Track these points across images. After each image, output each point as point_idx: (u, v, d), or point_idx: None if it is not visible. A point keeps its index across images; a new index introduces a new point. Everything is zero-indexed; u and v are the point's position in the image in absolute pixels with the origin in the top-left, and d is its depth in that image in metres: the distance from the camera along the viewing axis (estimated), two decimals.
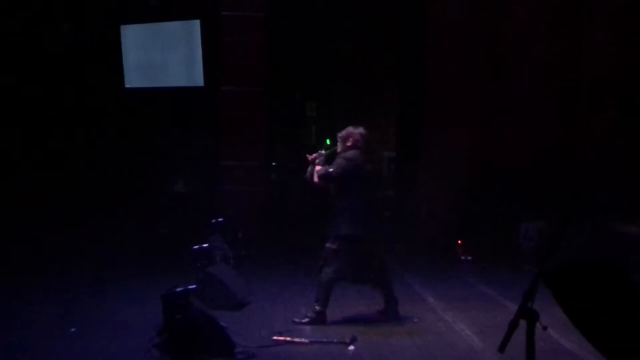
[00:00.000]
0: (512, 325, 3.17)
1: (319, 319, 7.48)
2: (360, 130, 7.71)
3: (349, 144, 7.63)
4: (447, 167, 12.43)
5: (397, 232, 13.45)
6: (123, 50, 13.44)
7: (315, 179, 7.59)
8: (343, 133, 7.70)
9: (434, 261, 11.24)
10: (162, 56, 13.43)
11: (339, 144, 7.71)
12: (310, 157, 7.73)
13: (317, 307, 7.51)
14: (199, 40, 13.08)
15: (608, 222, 10.31)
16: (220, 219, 10.06)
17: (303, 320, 7.48)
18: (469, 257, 11.40)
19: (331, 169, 7.49)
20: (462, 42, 12.58)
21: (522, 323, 3.20)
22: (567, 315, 3.24)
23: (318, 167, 7.59)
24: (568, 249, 3.49)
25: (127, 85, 13.46)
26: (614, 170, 11.28)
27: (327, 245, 7.50)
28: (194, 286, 6.47)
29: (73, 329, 7.15)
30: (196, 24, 13.14)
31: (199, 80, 13.11)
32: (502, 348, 3.19)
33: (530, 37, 12.41)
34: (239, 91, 12.55)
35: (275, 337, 6.84)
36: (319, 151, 7.79)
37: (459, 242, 11.60)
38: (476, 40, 12.59)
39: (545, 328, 3.26)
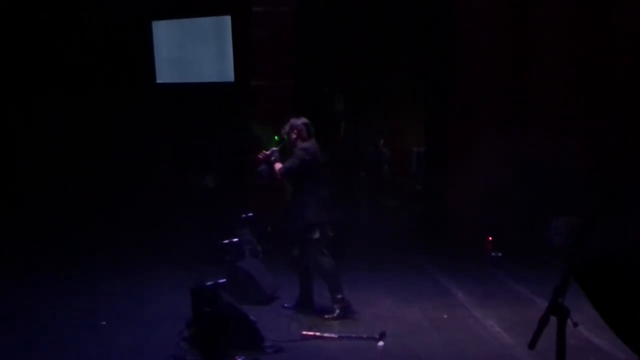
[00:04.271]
0: (543, 322, 3.15)
1: (345, 307, 7.54)
2: (302, 120, 7.78)
3: (294, 136, 7.69)
4: (477, 162, 12.34)
5: (427, 227, 13.41)
6: (155, 45, 13.52)
7: (279, 176, 7.64)
8: (287, 127, 7.75)
9: (464, 257, 11.17)
10: (193, 52, 13.49)
11: (286, 137, 7.76)
12: (262, 156, 7.75)
13: (338, 297, 7.56)
14: (229, 36, 13.11)
15: None
16: (249, 214, 10.10)
17: (333, 315, 7.49)
18: (499, 253, 11.31)
19: (291, 164, 7.55)
20: (491, 38, 12.48)
21: (553, 319, 3.17)
22: (598, 312, 3.20)
23: (278, 165, 7.63)
24: (600, 245, 3.44)
25: (158, 81, 13.54)
26: None
27: (307, 237, 7.52)
28: (223, 280, 6.49)
29: (104, 322, 7.23)
30: (227, 19, 13.18)
31: (229, 75, 13.15)
32: (532, 344, 3.17)
33: (559, 33, 12.27)
34: (268, 86, 12.57)
35: (304, 332, 6.86)
36: (271, 148, 7.77)
37: (489, 237, 11.51)
38: (505, 36, 12.49)
39: (576, 325, 3.23)
